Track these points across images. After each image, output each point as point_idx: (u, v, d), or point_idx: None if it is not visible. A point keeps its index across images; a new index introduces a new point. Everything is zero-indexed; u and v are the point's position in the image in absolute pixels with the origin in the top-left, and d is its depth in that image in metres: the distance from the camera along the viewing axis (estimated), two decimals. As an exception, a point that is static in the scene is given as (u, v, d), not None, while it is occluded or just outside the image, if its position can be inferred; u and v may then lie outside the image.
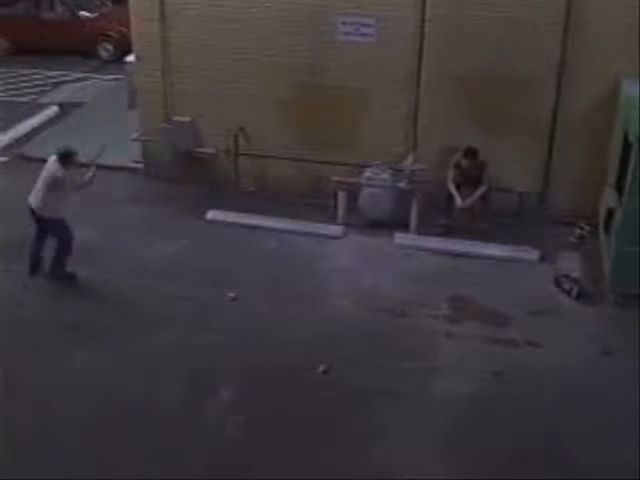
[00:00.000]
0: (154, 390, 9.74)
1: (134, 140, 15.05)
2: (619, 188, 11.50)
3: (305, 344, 10.62)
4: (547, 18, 12.53)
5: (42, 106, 19.16)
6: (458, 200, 12.94)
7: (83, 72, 21.86)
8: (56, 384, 9.86)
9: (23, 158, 16.15)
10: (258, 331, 10.87)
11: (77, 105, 19.33)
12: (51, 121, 18.37)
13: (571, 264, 12.37)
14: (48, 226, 11.72)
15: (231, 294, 11.56)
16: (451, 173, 13.05)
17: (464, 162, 12.83)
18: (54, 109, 19.00)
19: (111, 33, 22.87)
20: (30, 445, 8.94)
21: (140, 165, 15.25)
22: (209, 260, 12.48)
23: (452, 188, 13.02)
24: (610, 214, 11.89)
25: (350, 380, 9.96)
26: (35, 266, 12.02)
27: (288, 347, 10.57)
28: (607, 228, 12.07)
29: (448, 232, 13.20)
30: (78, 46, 22.70)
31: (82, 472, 8.60)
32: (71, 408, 9.42)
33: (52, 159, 11.67)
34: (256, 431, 9.16)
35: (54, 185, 11.46)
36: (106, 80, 21.22)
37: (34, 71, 21.75)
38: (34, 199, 11.63)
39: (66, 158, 11.56)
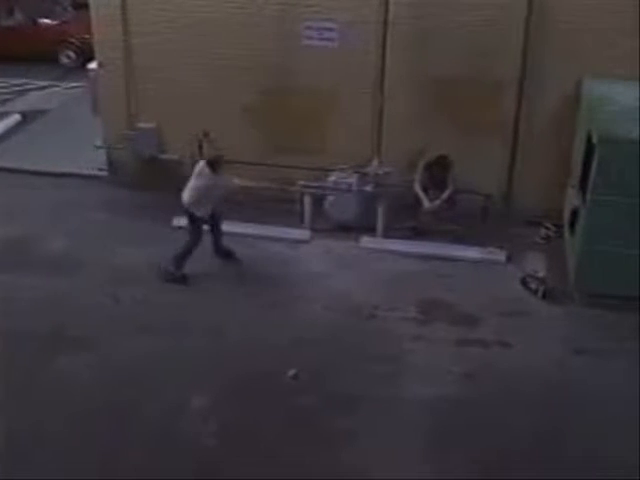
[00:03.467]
0: (133, 398, 9.67)
1: (98, 147, 14.95)
2: (583, 188, 11.60)
3: (275, 349, 10.58)
4: (511, 20, 12.61)
5: (3, 115, 18.95)
6: (425, 202, 12.98)
7: (46, 80, 21.66)
8: (33, 394, 9.78)
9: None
10: (232, 336, 10.84)
11: (41, 113, 19.16)
12: (13, 130, 18.17)
13: (537, 264, 12.50)
14: (189, 219, 12.05)
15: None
16: (418, 175, 13.10)
17: (435, 169, 12.94)
18: (16, 117, 18.80)
19: (72, 40, 22.70)
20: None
21: (105, 172, 15.15)
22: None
23: (419, 190, 13.06)
24: (574, 214, 12.00)
25: (321, 384, 9.95)
26: (224, 254, 12.52)
27: (259, 352, 10.53)
28: (572, 228, 12.18)
29: (415, 235, 13.26)
30: (39, 53, 22.47)
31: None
32: (47, 420, 9.32)
33: (202, 163, 11.95)
34: (229, 436, 9.13)
35: (199, 188, 11.80)
36: (70, 87, 21.05)
37: (-5, 79, 21.56)
38: (185, 195, 12.00)
39: (215, 164, 11.79)
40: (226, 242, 12.55)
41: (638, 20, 12.21)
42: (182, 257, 12.04)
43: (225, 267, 12.42)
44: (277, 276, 12.23)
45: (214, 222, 12.30)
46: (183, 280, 12.03)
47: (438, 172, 12.94)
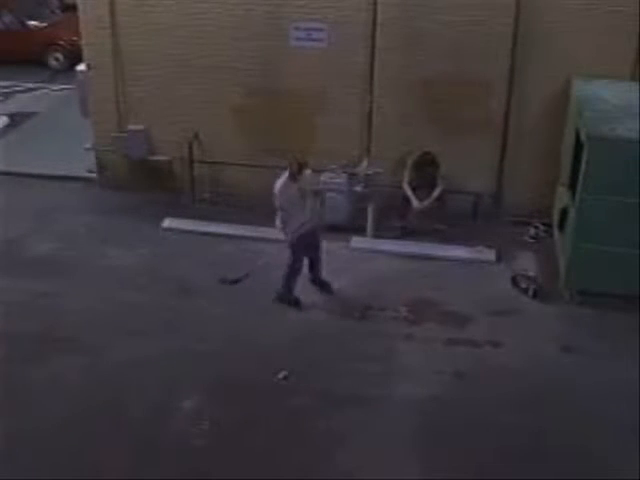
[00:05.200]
0: (121, 400, 9.67)
1: (87, 150, 14.92)
2: (572, 187, 11.64)
3: (268, 350, 10.59)
4: (499, 20, 12.64)
5: (-9, 117, 18.92)
6: (415, 202, 13.01)
7: (35, 82, 21.58)
8: (22, 395, 9.76)
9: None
10: (222, 338, 10.84)
11: (29, 115, 19.09)
12: (1, 132, 18.08)
13: (527, 263, 12.54)
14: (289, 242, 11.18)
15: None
16: (407, 175, 13.13)
17: (422, 167, 12.99)
18: (4, 120, 18.72)
19: (61, 42, 22.61)
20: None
21: (95, 174, 15.11)
22: (169, 268, 12.42)
23: (408, 190, 13.09)
24: (564, 213, 12.03)
25: (314, 385, 9.97)
26: (320, 284, 11.77)
27: (252, 353, 10.55)
28: (561, 227, 12.21)
29: (405, 234, 13.27)
30: (28, 56, 22.40)
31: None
32: (38, 422, 9.32)
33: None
34: (219, 437, 9.13)
35: (279, 199, 10.91)
36: (59, 90, 20.97)
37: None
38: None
39: (292, 170, 10.86)
40: (208, 245, 12.42)
41: (637, 20, 12.28)
42: (287, 280, 11.38)
43: (211, 273, 12.38)
44: (268, 278, 12.20)
45: (309, 246, 11.38)
46: (295, 303, 11.45)
47: (425, 169, 13.00)
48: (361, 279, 12.21)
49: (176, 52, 13.79)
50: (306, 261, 11.57)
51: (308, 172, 11.17)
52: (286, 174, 11.01)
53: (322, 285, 11.83)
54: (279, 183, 11.01)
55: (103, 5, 13.71)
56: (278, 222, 11.22)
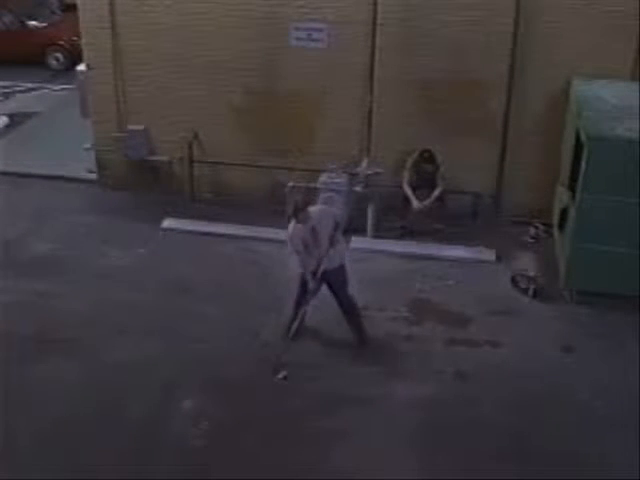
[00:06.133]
0: (120, 400, 9.67)
1: (87, 150, 14.91)
2: (572, 187, 11.63)
3: (264, 350, 10.57)
4: (499, 20, 12.64)
5: (-9, 117, 18.92)
6: (415, 202, 13.01)
7: (35, 82, 21.59)
8: (22, 396, 9.75)
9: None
10: (222, 338, 10.84)
11: (29, 115, 19.09)
12: (1, 132, 18.08)
13: (527, 263, 12.54)
14: None
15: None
16: (406, 175, 13.13)
17: (422, 165, 12.98)
18: (4, 120, 18.72)
19: (61, 42, 22.61)
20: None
21: (95, 174, 15.11)
22: (167, 269, 12.41)
23: (408, 190, 13.09)
24: (564, 213, 12.03)
25: (314, 385, 9.96)
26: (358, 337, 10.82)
27: (250, 354, 10.54)
28: (561, 227, 12.21)
29: (405, 234, 13.27)
30: (28, 56, 22.39)
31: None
32: (35, 422, 9.31)
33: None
34: (217, 438, 9.13)
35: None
36: (59, 90, 20.98)
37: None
38: None
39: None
40: (207, 245, 12.37)
41: (637, 20, 12.27)
42: (293, 308, 10.70)
43: (210, 273, 12.40)
44: (268, 278, 12.21)
45: (328, 285, 10.66)
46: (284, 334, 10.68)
47: (424, 167, 12.99)
48: (360, 279, 12.12)
49: (176, 52, 13.79)
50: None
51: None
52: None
53: (354, 332, 10.85)
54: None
55: (103, 5, 13.71)
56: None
